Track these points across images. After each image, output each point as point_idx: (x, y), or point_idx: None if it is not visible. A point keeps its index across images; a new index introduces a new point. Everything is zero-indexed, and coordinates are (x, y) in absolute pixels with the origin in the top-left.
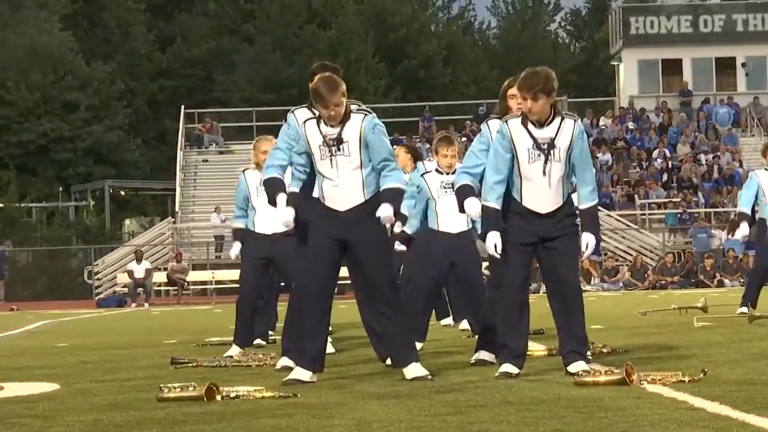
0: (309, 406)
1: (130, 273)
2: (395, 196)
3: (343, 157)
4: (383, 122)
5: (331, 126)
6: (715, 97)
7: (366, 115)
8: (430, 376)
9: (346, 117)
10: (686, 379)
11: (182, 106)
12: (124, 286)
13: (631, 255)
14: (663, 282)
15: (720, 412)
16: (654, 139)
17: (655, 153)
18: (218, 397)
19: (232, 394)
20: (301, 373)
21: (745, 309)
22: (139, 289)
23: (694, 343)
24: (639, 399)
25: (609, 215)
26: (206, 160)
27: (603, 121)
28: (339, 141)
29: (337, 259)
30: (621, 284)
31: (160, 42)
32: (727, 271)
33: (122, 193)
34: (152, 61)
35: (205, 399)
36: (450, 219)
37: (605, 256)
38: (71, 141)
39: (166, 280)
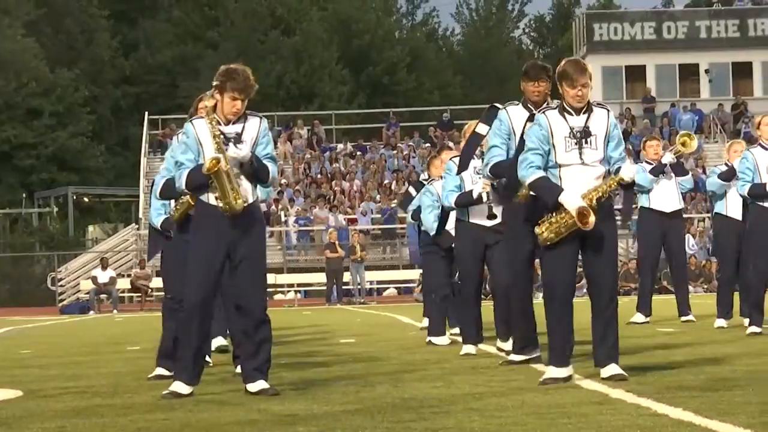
0: (272, 414)
1: (94, 279)
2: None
3: (590, 150)
4: (346, 129)
5: (576, 114)
6: (679, 103)
7: (609, 111)
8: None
9: (590, 109)
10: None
11: (146, 113)
12: (87, 293)
13: None
14: (627, 288)
15: (683, 418)
16: None
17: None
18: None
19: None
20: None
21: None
22: (103, 296)
23: (657, 348)
24: (602, 405)
25: None
26: None
27: None
28: (587, 133)
29: None
30: (584, 291)
31: (124, 48)
32: (690, 277)
33: (86, 199)
34: (116, 68)
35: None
36: None
37: None
38: (35, 147)
39: (129, 286)
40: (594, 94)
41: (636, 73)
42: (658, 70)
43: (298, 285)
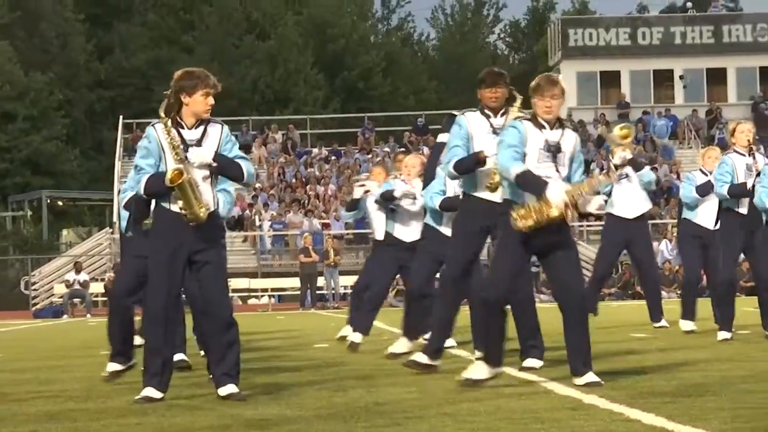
0: (245, 419)
1: (68, 283)
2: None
3: (561, 167)
4: (321, 133)
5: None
6: (653, 109)
7: (577, 137)
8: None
9: (562, 125)
10: None
11: (120, 116)
12: (61, 297)
13: None
14: (600, 294)
15: (656, 424)
16: (592, 151)
17: (593, 165)
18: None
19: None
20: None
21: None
22: (77, 300)
23: (629, 354)
24: (575, 411)
25: None
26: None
27: None
28: (558, 149)
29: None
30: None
31: (99, 52)
32: (664, 282)
33: (60, 203)
34: (91, 71)
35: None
36: None
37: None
38: (9, 151)
39: (103, 290)
40: (569, 100)
41: (611, 79)
42: (632, 76)
43: (272, 289)
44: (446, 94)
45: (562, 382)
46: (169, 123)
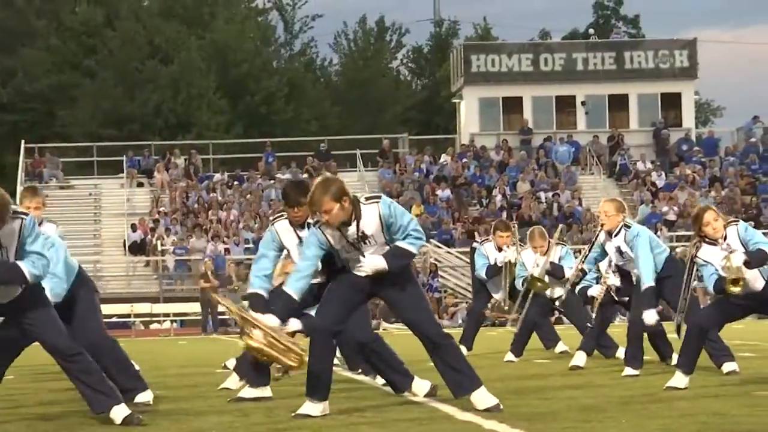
0: None
1: None
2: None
3: (371, 247)
4: (224, 158)
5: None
6: (556, 134)
7: (378, 201)
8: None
9: (358, 216)
10: None
11: (22, 141)
12: None
13: (471, 292)
14: (502, 319)
15: None
16: (494, 177)
17: (495, 191)
18: None
19: None
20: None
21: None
22: None
23: (531, 378)
24: None
25: (449, 252)
26: (47, 196)
27: (443, 159)
28: (363, 237)
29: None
30: (460, 321)
31: (1, 76)
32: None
33: None
34: None
35: None
36: None
37: (445, 293)
38: None
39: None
40: (471, 126)
41: (513, 105)
42: (534, 102)
43: (175, 314)
44: (349, 119)
45: (463, 408)
46: None
